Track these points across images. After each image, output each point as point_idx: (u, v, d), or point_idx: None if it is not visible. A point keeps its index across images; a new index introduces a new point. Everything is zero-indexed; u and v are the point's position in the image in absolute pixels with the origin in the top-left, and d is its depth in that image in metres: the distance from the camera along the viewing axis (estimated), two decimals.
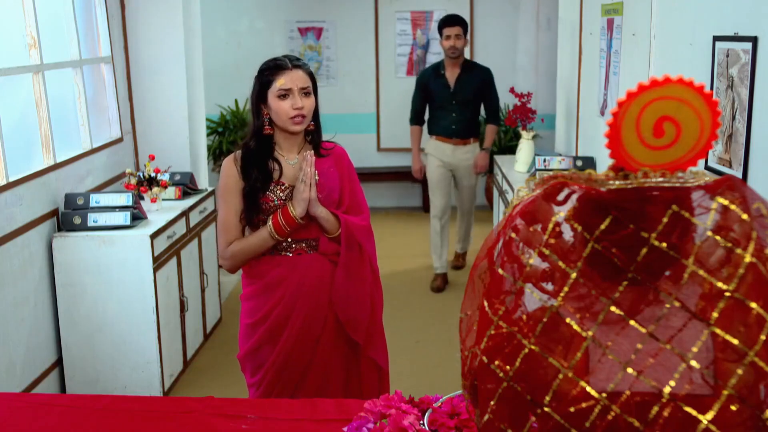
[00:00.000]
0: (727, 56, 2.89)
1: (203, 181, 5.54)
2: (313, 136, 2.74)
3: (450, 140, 5.92)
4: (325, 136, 2.79)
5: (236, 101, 8.02)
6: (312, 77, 2.66)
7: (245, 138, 2.73)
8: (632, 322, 1.06)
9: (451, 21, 5.78)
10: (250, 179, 2.64)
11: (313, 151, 2.63)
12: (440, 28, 5.83)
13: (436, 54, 8.40)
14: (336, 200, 2.70)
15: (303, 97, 2.61)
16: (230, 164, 2.68)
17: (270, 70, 2.62)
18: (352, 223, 2.68)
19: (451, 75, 5.85)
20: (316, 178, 2.60)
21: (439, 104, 5.90)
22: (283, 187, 2.65)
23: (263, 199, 2.63)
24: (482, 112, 6.12)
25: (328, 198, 2.67)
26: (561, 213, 1.11)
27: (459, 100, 5.84)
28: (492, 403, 1.14)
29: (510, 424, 1.12)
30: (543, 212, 1.13)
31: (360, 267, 2.72)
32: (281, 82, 2.59)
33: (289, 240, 2.67)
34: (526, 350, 1.09)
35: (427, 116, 6.08)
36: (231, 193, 2.67)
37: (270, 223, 2.62)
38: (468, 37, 5.90)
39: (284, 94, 2.59)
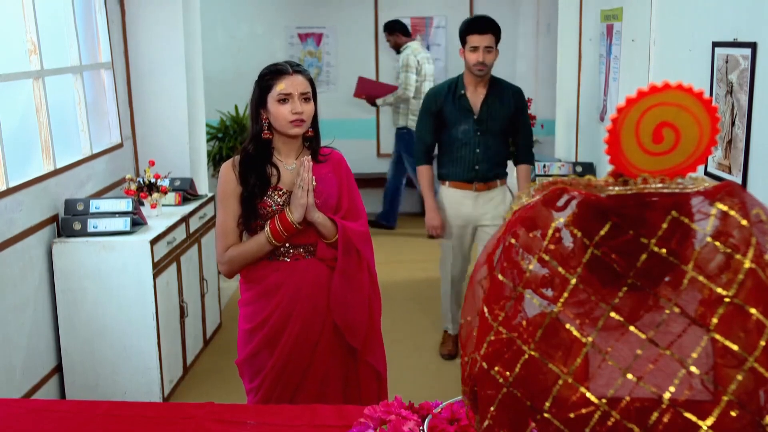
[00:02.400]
0: (727, 62, 2.90)
1: (203, 187, 5.54)
2: (311, 141, 2.75)
3: (470, 186, 4.40)
4: (323, 142, 2.80)
5: (236, 107, 8.02)
6: (312, 83, 2.67)
7: (244, 142, 2.74)
8: (632, 328, 1.06)
9: (480, 27, 4.24)
10: (248, 184, 2.65)
11: (310, 157, 2.63)
12: (464, 35, 4.29)
13: (436, 59, 8.40)
14: (333, 206, 2.71)
15: (303, 103, 2.61)
16: (228, 169, 2.69)
17: (270, 75, 2.63)
18: (349, 228, 2.69)
19: (475, 97, 4.33)
20: (314, 183, 2.61)
21: (457, 136, 4.34)
22: (280, 193, 2.65)
23: (261, 204, 2.64)
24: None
25: (326, 203, 2.67)
26: (561, 219, 1.11)
27: (485, 130, 4.32)
28: (492, 408, 1.14)
29: (510, 430, 1.12)
30: (543, 218, 1.13)
31: (357, 272, 2.72)
32: (281, 86, 2.59)
33: (287, 245, 2.67)
34: (526, 356, 1.09)
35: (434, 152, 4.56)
36: (229, 198, 2.67)
37: (267, 228, 2.62)
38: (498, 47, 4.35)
39: (284, 99, 2.60)
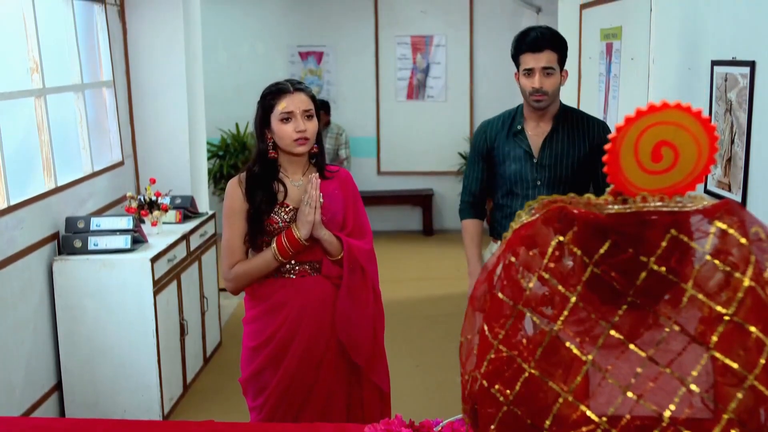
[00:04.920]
0: (726, 80, 2.91)
1: (204, 205, 5.55)
2: (317, 158, 2.75)
3: None
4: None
5: (237, 125, 8.05)
6: (314, 100, 2.68)
7: (249, 163, 2.74)
8: (632, 346, 1.06)
9: (535, 43, 3.05)
10: (255, 201, 2.65)
11: (318, 174, 2.64)
12: (516, 55, 3.12)
13: (436, 78, 8.43)
14: (340, 223, 2.71)
15: (305, 120, 2.62)
16: (235, 186, 2.69)
17: (272, 95, 2.64)
18: (355, 246, 2.69)
19: (536, 134, 3.17)
20: (321, 200, 2.61)
21: (514, 184, 3.19)
22: (287, 209, 2.66)
23: (268, 221, 2.64)
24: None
25: (332, 221, 2.67)
26: (560, 237, 1.11)
27: (548, 177, 3.14)
28: (492, 427, 1.14)
29: None
30: (542, 236, 1.13)
31: (362, 290, 2.72)
32: (283, 105, 2.60)
33: (293, 262, 2.67)
34: (526, 374, 1.10)
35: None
36: (235, 215, 2.67)
37: (274, 245, 2.62)
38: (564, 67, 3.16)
39: (287, 118, 2.61)
